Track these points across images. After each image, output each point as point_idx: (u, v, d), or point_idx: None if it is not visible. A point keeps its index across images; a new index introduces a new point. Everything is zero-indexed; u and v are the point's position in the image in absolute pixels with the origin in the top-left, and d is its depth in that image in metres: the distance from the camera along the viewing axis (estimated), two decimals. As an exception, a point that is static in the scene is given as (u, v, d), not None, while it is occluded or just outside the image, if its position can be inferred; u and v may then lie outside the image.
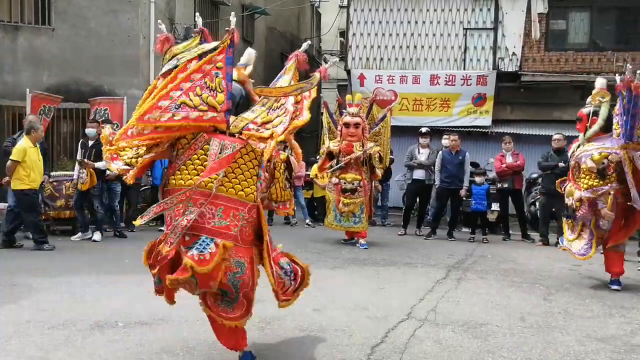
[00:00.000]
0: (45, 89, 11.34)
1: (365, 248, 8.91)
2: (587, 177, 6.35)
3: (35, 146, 8.32)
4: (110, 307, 5.24)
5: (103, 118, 10.72)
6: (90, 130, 9.16)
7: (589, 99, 6.66)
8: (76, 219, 9.46)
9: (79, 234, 9.24)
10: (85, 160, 8.88)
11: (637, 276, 7.41)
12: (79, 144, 9.39)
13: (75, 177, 9.22)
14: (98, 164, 8.76)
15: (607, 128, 6.41)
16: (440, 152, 10.51)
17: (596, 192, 6.28)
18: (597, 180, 6.29)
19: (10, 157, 8.12)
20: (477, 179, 10.27)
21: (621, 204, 6.33)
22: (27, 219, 8.38)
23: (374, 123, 9.28)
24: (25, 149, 8.13)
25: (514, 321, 5.23)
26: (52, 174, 9.86)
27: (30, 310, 5.12)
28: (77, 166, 9.16)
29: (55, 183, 9.59)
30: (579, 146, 6.57)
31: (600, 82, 6.67)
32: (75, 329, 4.58)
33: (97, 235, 9.11)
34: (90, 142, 9.09)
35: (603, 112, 6.43)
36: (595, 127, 6.42)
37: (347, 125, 8.86)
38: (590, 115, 6.49)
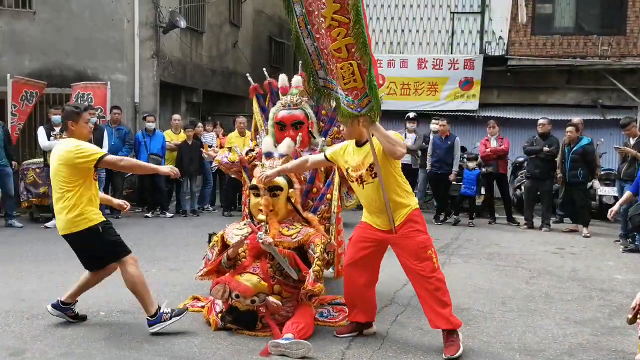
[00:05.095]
0: (27, 74, 11.16)
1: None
2: None
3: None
4: (92, 296, 5.16)
5: (86, 103, 10.60)
6: (56, 117, 9.02)
7: None
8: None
9: (53, 221, 9.06)
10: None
11: (617, 259, 7.49)
12: (42, 129, 9.12)
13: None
14: None
15: None
16: (431, 137, 10.53)
17: None
18: None
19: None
20: (470, 164, 10.25)
21: None
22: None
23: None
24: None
25: (495, 305, 5.28)
26: (35, 160, 9.76)
27: (10, 299, 5.09)
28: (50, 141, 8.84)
29: (38, 170, 9.49)
30: None
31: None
32: (55, 318, 4.54)
33: None
34: (56, 129, 8.89)
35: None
36: None
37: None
38: None
